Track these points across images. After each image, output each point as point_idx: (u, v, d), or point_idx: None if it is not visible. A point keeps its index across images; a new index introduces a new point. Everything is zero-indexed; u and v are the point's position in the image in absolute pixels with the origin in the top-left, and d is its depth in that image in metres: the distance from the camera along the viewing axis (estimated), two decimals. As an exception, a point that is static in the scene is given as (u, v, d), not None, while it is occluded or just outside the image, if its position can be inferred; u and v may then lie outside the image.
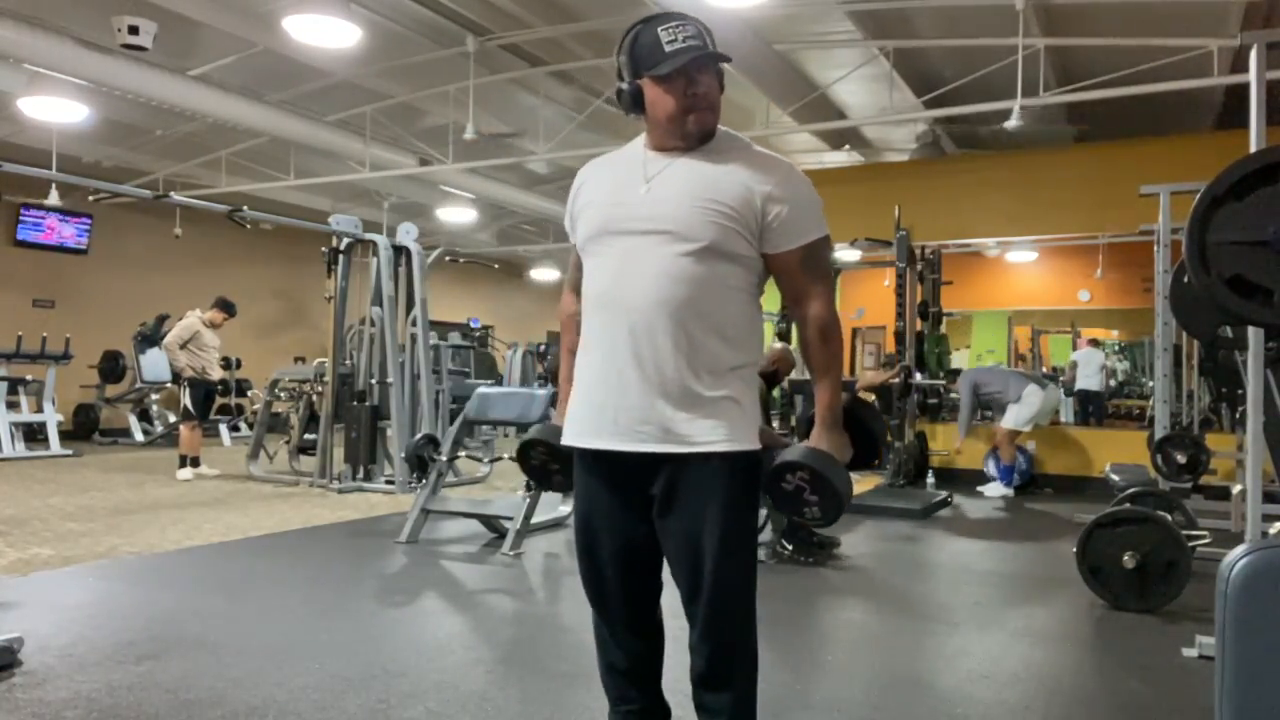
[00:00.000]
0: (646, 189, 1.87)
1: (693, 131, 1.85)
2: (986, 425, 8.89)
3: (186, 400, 8.16)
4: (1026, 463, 8.40)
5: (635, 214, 1.86)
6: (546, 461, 2.16)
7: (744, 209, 1.82)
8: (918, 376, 8.50)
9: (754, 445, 1.87)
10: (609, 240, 1.90)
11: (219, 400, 10.16)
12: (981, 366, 9.48)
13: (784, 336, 8.51)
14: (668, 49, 1.81)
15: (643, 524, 1.93)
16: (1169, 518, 4.23)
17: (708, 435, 1.83)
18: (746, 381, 1.90)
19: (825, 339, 1.89)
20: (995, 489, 7.98)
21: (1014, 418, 7.79)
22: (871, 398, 8.54)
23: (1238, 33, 6.38)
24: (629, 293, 1.84)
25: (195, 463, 8.06)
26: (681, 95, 1.83)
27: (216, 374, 8.49)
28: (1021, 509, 7.26)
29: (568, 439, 1.99)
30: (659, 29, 1.82)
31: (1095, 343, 12.52)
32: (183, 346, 8.14)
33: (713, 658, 1.91)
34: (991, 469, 8.45)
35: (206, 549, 5.06)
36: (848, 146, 10.34)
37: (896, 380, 8.28)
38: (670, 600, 2.03)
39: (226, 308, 8.46)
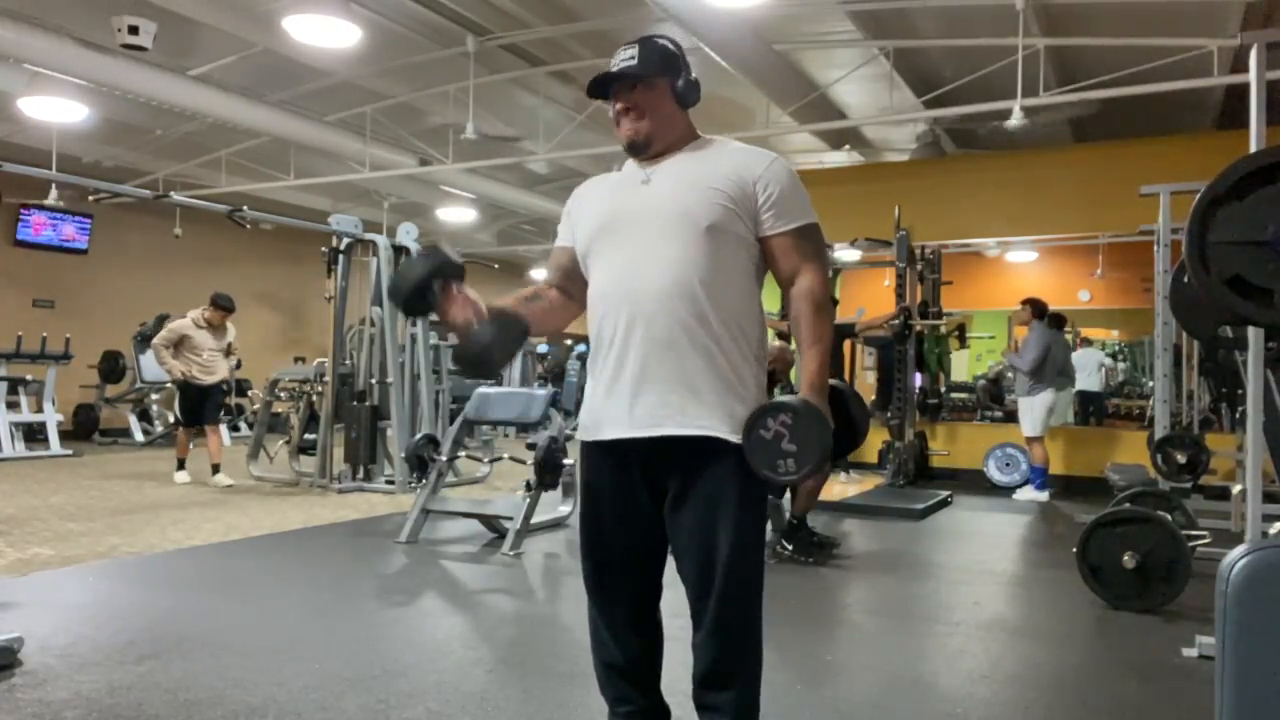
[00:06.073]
0: (645, 188, 1.96)
1: (623, 140, 1.98)
2: (988, 423, 8.87)
3: (176, 404, 8.07)
4: (1026, 463, 8.38)
5: (638, 206, 1.95)
6: (428, 279, 2.04)
7: (739, 193, 1.90)
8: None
9: None
10: (615, 232, 1.95)
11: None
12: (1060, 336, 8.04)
13: (783, 336, 8.50)
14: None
15: (650, 520, 1.94)
16: (1169, 518, 4.23)
17: (722, 426, 1.85)
18: (757, 376, 1.93)
19: (817, 310, 1.92)
20: (1027, 493, 7.76)
21: (1028, 424, 7.64)
22: (872, 364, 8.42)
23: (1238, 33, 6.39)
24: (640, 282, 1.88)
25: (181, 465, 7.75)
26: (614, 110, 1.99)
27: (213, 376, 7.89)
28: (1021, 509, 7.26)
29: (583, 436, 2.00)
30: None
31: (1090, 342, 12.50)
32: (172, 348, 7.69)
33: (719, 655, 1.91)
34: (994, 469, 8.44)
35: (206, 549, 5.06)
36: (848, 146, 10.34)
37: (895, 322, 8.22)
38: (669, 600, 2.03)
39: (219, 303, 7.86)
